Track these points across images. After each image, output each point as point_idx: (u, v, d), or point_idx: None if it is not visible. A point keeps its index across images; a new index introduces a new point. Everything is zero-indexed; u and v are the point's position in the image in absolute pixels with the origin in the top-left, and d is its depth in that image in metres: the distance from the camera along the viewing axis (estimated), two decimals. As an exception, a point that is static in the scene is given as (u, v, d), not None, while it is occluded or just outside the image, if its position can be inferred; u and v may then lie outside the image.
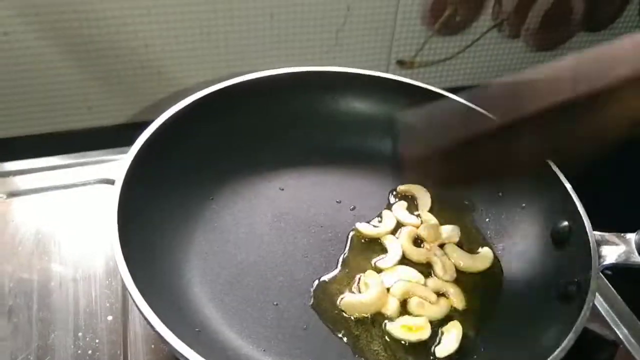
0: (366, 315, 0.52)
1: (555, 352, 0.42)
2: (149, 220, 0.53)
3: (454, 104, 0.50)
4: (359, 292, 0.54)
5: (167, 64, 0.78)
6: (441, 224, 0.61)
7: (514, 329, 0.51)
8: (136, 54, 0.75)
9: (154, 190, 0.55)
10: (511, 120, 0.42)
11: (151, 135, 0.56)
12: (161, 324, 0.40)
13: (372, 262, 0.57)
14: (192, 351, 0.39)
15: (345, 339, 0.51)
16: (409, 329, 0.51)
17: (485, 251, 0.59)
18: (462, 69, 0.94)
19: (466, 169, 0.47)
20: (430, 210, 0.63)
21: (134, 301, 0.42)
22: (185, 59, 0.78)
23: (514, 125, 0.42)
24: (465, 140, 0.45)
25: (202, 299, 0.51)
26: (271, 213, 0.61)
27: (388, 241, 0.59)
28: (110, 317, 0.53)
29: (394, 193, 0.65)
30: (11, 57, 0.70)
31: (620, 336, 0.56)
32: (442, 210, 0.64)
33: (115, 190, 0.50)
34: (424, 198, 0.64)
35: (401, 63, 0.90)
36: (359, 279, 0.55)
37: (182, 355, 0.39)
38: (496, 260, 0.59)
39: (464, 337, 0.51)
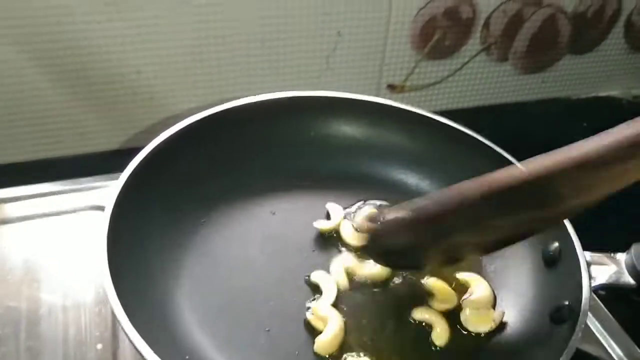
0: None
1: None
2: (139, 246, 0.52)
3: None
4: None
5: (159, 90, 0.78)
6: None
7: (506, 350, 0.51)
8: (128, 80, 0.76)
9: (144, 216, 0.55)
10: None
11: (141, 162, 0.56)
12: (152, 352, 0.40)
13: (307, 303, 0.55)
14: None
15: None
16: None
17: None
18: (452, 92, 0.95)
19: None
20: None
21: (123, 330, 0.41)
22: (177, 85, 0.79)
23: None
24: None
25: (193, 325, 0.51)
26: (262, 237, 0.61)
27: (322, 280, 0.56)
28: (100, 346, 0.52)
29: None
30: (3, 84, 0.70)
31: (615, 357, 0.56)
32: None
33: (105, 217, 0.50)
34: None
35: (392, 87, 0.91)
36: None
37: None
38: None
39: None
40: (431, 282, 0.56)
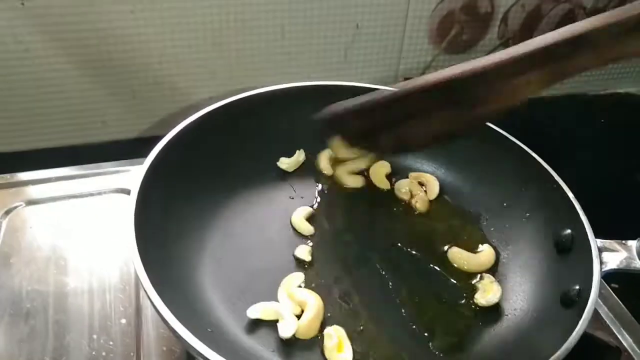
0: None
1: (557, 354, 0.43)
2: (164, 227, 0.54)
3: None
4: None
5: (180, 80, 0.80)
6: (446, 233, 0.64)
7: (517, 332, 0.52)
8: (150, 70, 0.77)
9: (168, 198, 0.57)
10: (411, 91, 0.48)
11: (166, 146, 0.58)
12: (177, 322, 0.42)
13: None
14: (205, 347, 0.40)
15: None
16: None
17: (485, 248, 0.61)
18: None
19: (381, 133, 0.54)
20: (436, 218, 0.65)
21: (152, 302, 0.43)
22: (198, 75, 0.80)
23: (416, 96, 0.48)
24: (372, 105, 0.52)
25: (215, 302, 0.53)
26: (282, 220, 0.63)
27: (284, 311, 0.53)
28: (123, 320, 0.54)
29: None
30: (31, 72, 0.72)
31: (624, 344, 0.56)
32: (448, 220, 0.65)
33: (132, 199, 0.52)
34: (433, 185, 0.68)
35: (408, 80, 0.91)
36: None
37: (196, 350, 0.40)
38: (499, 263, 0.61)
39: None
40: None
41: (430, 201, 0.67)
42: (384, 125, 0.52)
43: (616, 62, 0.44)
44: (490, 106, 0.48)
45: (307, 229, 0.62)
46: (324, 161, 0.70)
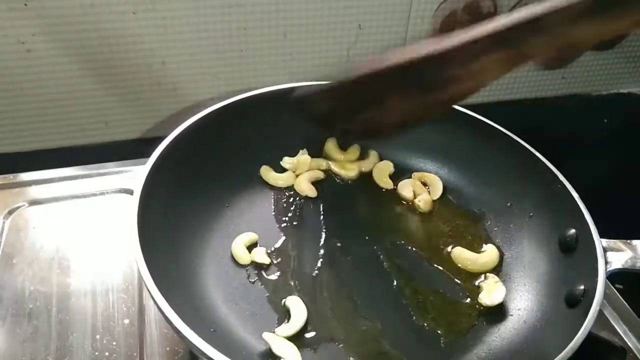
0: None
1: (562, 354, 0.43)
2: (167, 227, 0.55)
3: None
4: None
5: (182, 81, 0.80)
6: (450, 233, 0.64)
7: (522, 332, 0.52)
8: (153, 71, 0.77)
9: (171, 198, 0.57)
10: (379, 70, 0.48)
11: (169, 146, 0.58)
12: (181, 321, 0.42)
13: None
14: (209, 346, 0.40)
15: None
16: None
17: (489, 248, 0.61)
18: (471, 87, 0.95)
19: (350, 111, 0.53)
20: (440, 218, 0.65)
21: (155, 302, 0.43)
22: (200, 75, 0.80)
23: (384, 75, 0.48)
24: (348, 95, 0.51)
25: (217, 301, 0.53)
26: (283, 221, 0.63)
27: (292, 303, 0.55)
28: (127, 321, 0.54)
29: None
30: (33, 73, 0.72)
31: (629, 344, 0.56)
32: (452, 220, 0.65)
33: (135, 199, 0.52)
34: (437, 185, 0.69)
35: (411, 80, 0.91)
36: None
37: (199, 350, 0.40)
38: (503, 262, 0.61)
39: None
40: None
41: (434, 201, 0.67)
42: (351, 108, 0.52)
43: (575, 49, 0.43)
44: (455, 88, 0.47)
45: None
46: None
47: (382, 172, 0.70)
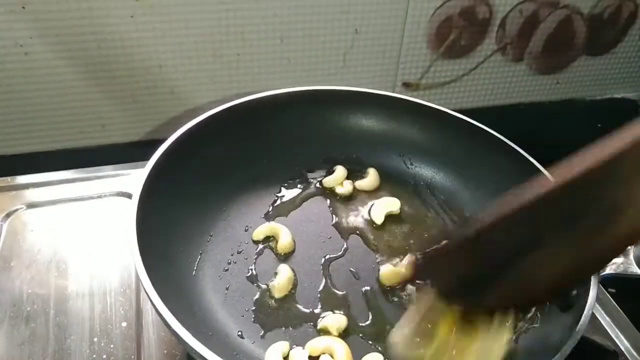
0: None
1: (555, 358, 0.43)
2: (165, 230, 0.55)
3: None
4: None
5: (180, 84, 0.80)
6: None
7: (515, 337, 0.53)
8: (150, 74, 0.78)
9: (170, 202, 0.57)
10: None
11: (167, 150, 0.58)
12: (179, 324, 0.42)
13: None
14: (206, 349, 0.40)
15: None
16: None
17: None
18: (467, 91, 0.96)
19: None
20: (436, 227, 0.66)
21: (153, 305, 0.43)
22: (198, 79, 0.80)
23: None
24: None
25: (215, 306, 0.53)
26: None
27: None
28: (124, 324, 0.54)
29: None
30: (31, 76, 0.72)
31: (622, 347, 0.57)
32: (448, 226, 0.66)
33: (133, 202, 0.52)
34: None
35: (407, 85, 0.92)
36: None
37: (197, 353, 0.41)
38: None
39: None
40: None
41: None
42: (485, 274, 0.38)
43: None
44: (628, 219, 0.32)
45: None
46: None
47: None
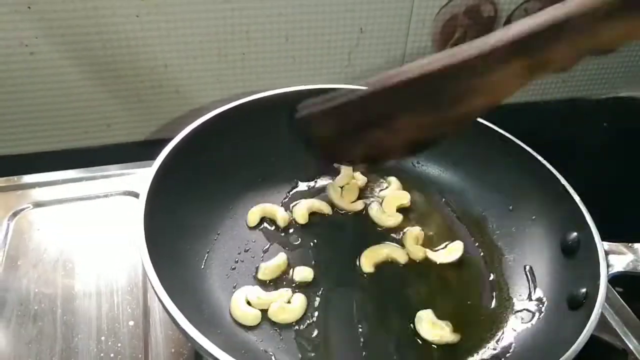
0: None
1: (565, 356, 0.43)
2: (173, 229, 0.55)
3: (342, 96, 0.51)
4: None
5: (185, 84, 0.80)
6: (454, 238, 0.64)
7: (524, 335, 0.53)
8: (155, 74, 0.78)
9: (176, 201, 0.57)
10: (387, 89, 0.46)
11: (175, 148, 0.58)
12: (187, 322, 0.42)
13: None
14: (215, 347, 0.40)
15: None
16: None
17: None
18: (472, 90, 0.96)
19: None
20: (443, 225, 0.66)
21: (161, 303, 0.43)
22: (203, 78, 0.80)
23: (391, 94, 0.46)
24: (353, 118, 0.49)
25: (223, 303, 0.53)
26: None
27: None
28: (131, 322, 0.54)
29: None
30: (36, 75, 0.72)
31: (630, 346, 0.57)
32: (455, 224, 0.66)
33: (141, 201, 0.52)
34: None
35: (412, 84, 0.92)
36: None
37: (205, 350, 0.41)
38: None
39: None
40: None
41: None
42: (358, 130, 0.49)
43: (591, 55, 0.40)
44: (469, 104, 0.44)
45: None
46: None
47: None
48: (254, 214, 0.63)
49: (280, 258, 0.58)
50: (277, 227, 0.63)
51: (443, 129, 0.48)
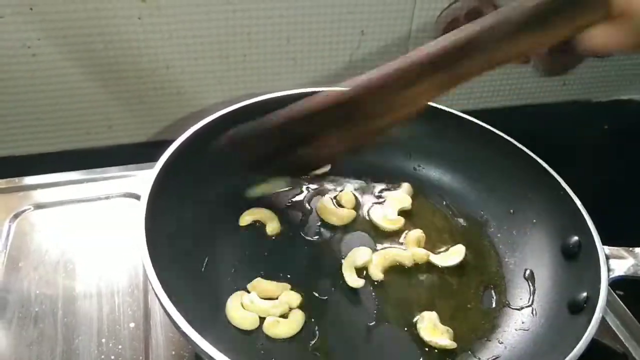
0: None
1: (566, 360, 0.43)
2: (174, 230, 0.55)
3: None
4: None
5: (186, 85, 0.80)
6: (456, 241, 0.64)
7: (525, 339, 0.53)
8: (157, 75, 0.78)
9: (179, 202, 0.57)
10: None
11: (176, 150, 0.58)
12: (187, 324, 0.42)
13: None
14: (215, 349, 0.40)
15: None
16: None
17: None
18: (473, 93, 0.96)
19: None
20: (444, 228, 0.66)
21: (162, 305, 0.44)
22: (204, 80, 0.80)
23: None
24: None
25: (224, 306, 0.53)
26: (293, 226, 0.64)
27: None
28: (132, 324, 0.54)
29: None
30: (38, 77, 0.73)
31: (631, 350, 0.57)
32: (456, 227, 0.66)
33: (142, 202, 0.52)
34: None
35: (413, 86, 0.92)
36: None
37: (206, 353, 0.41)
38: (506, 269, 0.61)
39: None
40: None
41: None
42: (288, 146, 0.53)
43: (508, 63, 0.45)
44: (388, 117, 0.49)
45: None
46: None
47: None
48: (245, 218, 0.63)
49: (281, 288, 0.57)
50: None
51: (365, 138, 0.52)
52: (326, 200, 0.66)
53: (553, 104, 1.02)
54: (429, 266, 0.61)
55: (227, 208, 0.63)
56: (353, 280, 0.57)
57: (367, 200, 0.68)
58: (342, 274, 0.58)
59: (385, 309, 0.56)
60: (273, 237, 0.62)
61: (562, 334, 0.49)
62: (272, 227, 0.62)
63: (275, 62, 0.82)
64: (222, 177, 0.63)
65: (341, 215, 0.65)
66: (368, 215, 0.66)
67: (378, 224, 0.64)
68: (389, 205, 0.67)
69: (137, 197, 0.66)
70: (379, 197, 0.69)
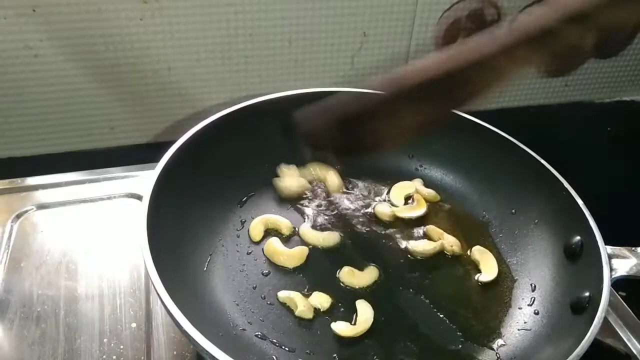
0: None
1: (568, 360, 0.43)
2: (176, 231, 0.55)
3: (346, 94, 0.56)
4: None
5: (188, 86, 0.80)
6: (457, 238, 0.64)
7: (527, 338, 0.52)
8: (159, 77, 0.78)
9: (180, 203, 0.57)
10: (392, 93, 0.49)
11: (178, 150, 0.58)
12: (189, 324, 0.42)
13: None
14: (217, 349, 0.40)
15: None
16: None
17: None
18: (474, 94, 0.96)
19: (363, 138, 0.53)
20: (446, 227, 0.66)
21: (164, 305, 0.43)
22: (206, 81, 0.80)
23: (396, 97, 0.49)
24: (355, 112, 0.52)
25: (226, 306, 0.53)
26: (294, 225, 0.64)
27: None
28: (134, 325, 0.54)
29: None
30: (40, 78, 0.73)
31: (634, 351, 0.56)
32: (458, 227, 0.66)
33: (144, 203, 0.52)
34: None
35: (415, 87, 0.92)
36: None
37: (208, 353, 0.41)
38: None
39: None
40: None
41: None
42: (356, 125, 0.52)
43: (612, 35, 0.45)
44: (466, 92, 0.48)
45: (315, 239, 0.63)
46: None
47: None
48: (256, 228, 0.62)
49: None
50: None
51: (438, 120, 0.51)
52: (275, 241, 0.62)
53: (556, 105, 1.01)
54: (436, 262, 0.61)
55: (228, 207, 0.63)
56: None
57: (369, 200, 0.68)
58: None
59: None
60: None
61: (564, 334, 0.49)
62: (286, 226, 0.63)
63: (277, 63, 0.82)
64: (224, 177, 0.63)
65: (291, 255, 0.61)
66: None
67: (384, 216, 0.66)
68: (394, 194, 0.68)
69: (139, 198, 0.66)
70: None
